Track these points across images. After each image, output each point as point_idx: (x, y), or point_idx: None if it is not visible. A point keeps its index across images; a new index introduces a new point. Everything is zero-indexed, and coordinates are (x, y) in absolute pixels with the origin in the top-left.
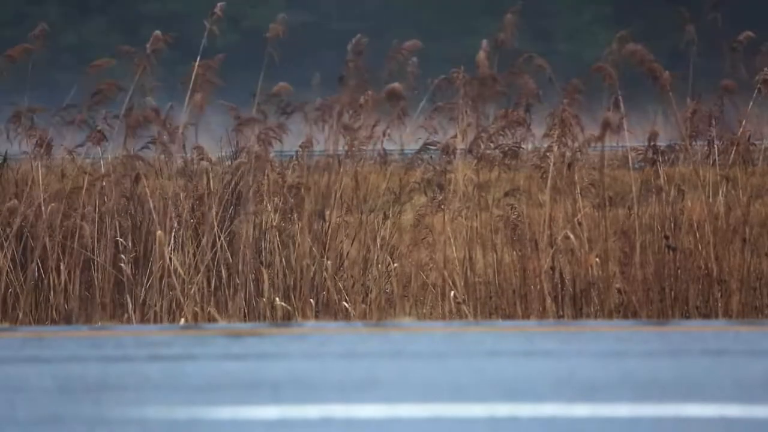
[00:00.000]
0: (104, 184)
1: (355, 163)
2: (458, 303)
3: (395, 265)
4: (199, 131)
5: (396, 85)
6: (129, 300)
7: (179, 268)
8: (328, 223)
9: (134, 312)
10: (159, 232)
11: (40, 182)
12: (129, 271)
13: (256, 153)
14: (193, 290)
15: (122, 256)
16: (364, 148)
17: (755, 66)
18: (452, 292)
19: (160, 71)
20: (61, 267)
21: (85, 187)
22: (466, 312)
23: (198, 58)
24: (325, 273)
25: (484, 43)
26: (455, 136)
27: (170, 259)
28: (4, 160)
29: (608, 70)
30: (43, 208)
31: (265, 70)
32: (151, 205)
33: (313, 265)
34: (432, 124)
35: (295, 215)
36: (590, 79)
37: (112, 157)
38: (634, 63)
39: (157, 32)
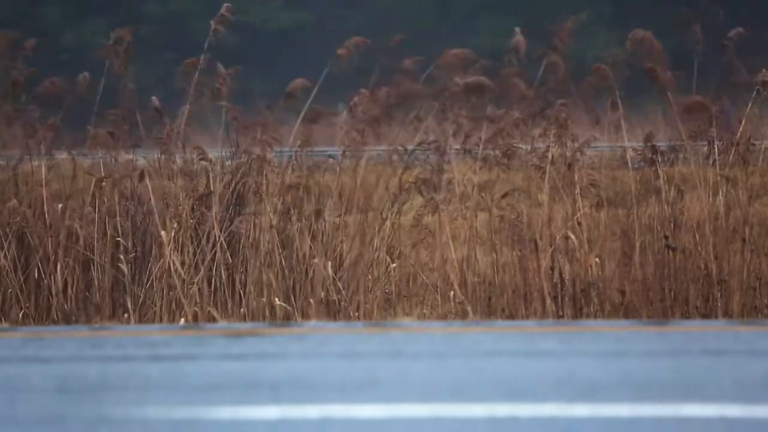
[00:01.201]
0: (104, 184)
1: (356, 162)
2: (459, 303)
3: (394, 265)
4: (198, 131)
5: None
6: (129, 300)
7: (180, 268)
8: (328, 224)
9: (134, 312)
10: (162, 233)
11: (44, 182)
12: (129, 271)
13: (256, 154)
14: (193, 290)
15: (122, 256)
16: (365, 149)
17: (753, 64)
18: (452, 292)
19: (161, 71)
20: (61, 267)
21: (85, 188)
22: (467, 312)
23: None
24: (324, 273)
25: (517, 31)
26: (452, 136)
27: (171, 259)
28: (20, 160)
29: (607, 71)
30: (46, 208)
31: (263, 69)
32: (153, 205)
33: (313, 265)
34: (431, 125)
35: (295, 215)
36: (591, 80)
37: (111, 156)
38: (643, 52)
39: (126, 34)
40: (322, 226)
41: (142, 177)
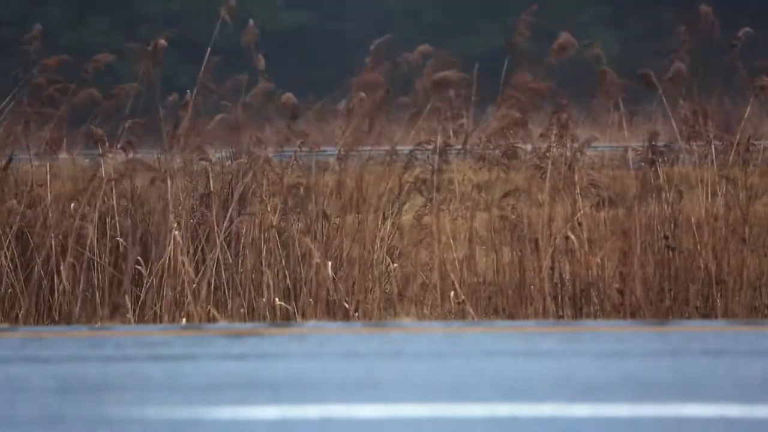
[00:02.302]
0: (105, 184)
1: (356, 162)
2: (459, 303)
3: (395, 265)
4: (199, 130)
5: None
6: (129, 300)
7: (188, 268)
8: (328, 223)
9: (134, 312)
10: (175, 232)
11: (49, 183)
12: (129, 272)
13: (256, 154)
14: (193, 290)
15: (124, 256)
16: (363, 148)
17: (756, 65)
18: (452, 292)
19: (160, 71)
20: (62, 267)
21: (85, 188)
22: (467, 312)
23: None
24: (324, 273)
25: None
26: (451, 136)
27: (177, 259)
28: (10, 160)
29: (610, 73)
30: (49, 208)
31: (262, 69)
32: (158, 205)
33: (313, 265)
34: (431, 124)
35: (295, 215)
36: (594, 80)
37: (111, 157)
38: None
39: (163, 38)
40: (322, 226)
41: (153, 180)
